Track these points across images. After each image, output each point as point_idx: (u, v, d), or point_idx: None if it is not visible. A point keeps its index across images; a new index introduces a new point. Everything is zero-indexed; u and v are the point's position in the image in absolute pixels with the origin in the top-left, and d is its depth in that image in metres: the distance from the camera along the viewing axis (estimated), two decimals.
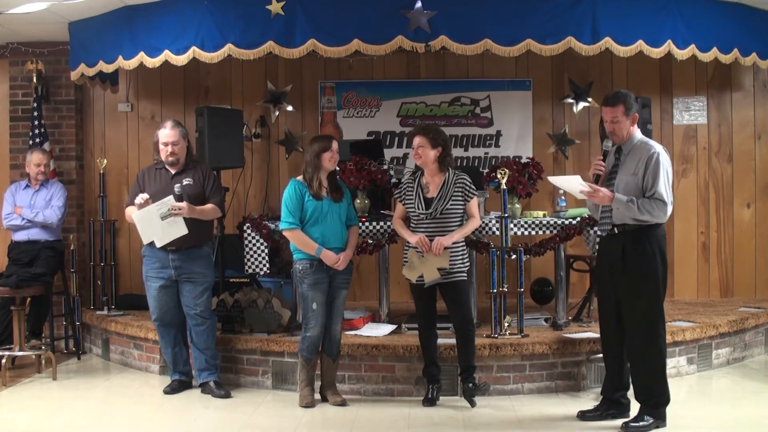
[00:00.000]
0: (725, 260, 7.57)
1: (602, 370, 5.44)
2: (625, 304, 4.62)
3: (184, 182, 5.38)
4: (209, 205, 5.49)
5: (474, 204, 5.19)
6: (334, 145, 5.23)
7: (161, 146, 5.48)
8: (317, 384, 5.48)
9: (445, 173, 5.16)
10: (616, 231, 4.60)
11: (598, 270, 4.93)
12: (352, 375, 5.43)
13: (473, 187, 5.19)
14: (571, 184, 4.69)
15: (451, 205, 5.10)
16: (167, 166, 5.52)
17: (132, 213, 5.43)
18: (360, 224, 5.65)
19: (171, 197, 5.27)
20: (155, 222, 5.25)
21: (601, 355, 5.38)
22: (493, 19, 5.70)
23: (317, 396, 5.28)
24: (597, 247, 5.00)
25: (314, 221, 5.15)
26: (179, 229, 5.27)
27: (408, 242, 5.19)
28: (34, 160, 6.71)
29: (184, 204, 5.29)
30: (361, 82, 7.62)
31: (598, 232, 4.87)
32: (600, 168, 4.61)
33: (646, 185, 4.51)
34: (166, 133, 5.47)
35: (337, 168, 5.43)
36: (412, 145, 5.20)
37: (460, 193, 5.12)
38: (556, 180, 4.95)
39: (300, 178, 5.25)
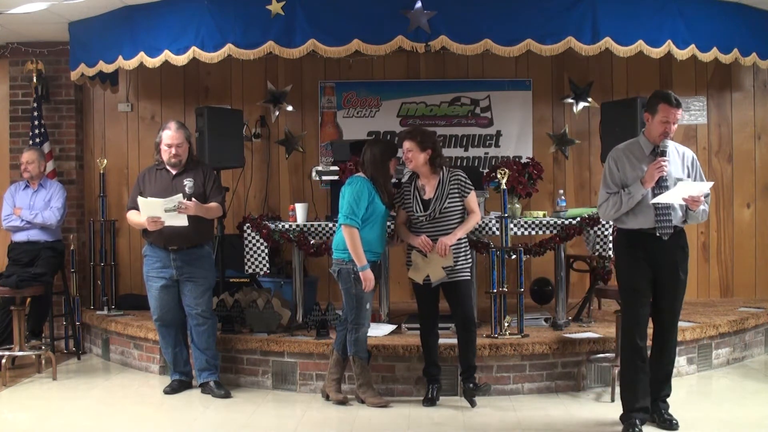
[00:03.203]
0: (725, 260, 7.58)
1: (602, 370, 5.47)
2: (673, 304, 4.56)
3: (186, 182, 5.38)
4: (213, 204, 5.50)
5: (472, 198, 5.16)
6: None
7: (164, 147, 5.48)
8: (320, 383, 5.49)
9: (439, 173, 5.16)
10: (672, 233, 4.49)
11: (637, 275, 4.52)
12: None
13: (469, 182, 5.17)
14: (691, 189, 4.42)
15: (449, 203, 5.09)
16: (168, 167, 5.51)
17: (133, 215, 5.46)
18: None
19: (180, 195, 5.28)
20: (158, 212, 5.26)
21: (602, 356, 5.41)
22: (493, 19, 5.70)
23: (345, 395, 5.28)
24: (634, 244, 4.54)
25: (374, 223, 5.12)
26: (180, 221, 5.28)
27: (411, 244, 5.19)
28: (21, 158, 6.74)
29: (191, 203, 5.29)
30: (361, 82, 7.62)
31: (658, 233, 4.46)
32: (665, 168, 4.45)
33: None
34: (170, 135, 5.46)
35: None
36: (403, 149, 5.19)
37: (456, 190, 5.11)
38: (687, 184, 4.45)
39: (362, 175, 5.19)
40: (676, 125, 4.53)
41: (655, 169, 4.43)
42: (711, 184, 4.54)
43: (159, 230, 5.35)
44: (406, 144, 5.15)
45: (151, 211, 5.27)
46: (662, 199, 4.41)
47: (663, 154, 4.48)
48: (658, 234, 4.46)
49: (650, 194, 4.46)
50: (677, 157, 4.59)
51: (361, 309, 5.10)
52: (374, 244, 5.14)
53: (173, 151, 5.45)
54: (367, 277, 5.04)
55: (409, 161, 5.15)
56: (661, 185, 4.45)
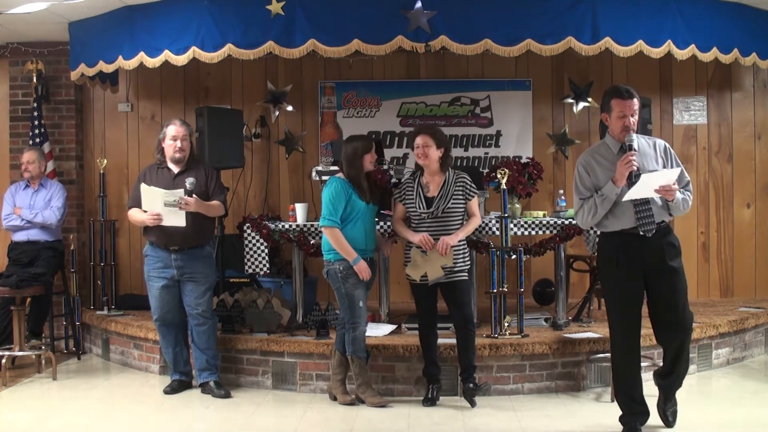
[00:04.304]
0: (725, 260, 7.58)
1: (602, 370, 5.48)
2: (671, 301, 4.38)
3: (187, 180, 5.37)
4: (215, 201, 5.51)
5: (475, 203, 5.22)
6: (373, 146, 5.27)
7: (169, 141, 5.48)
8: (320, 383, 5.48)
9: (446, 173, 5.18)
10: (657, 230, 4.34)
11: (624, 273, 4.39)
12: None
13: (473, 186, 5.22)
14: (658, 180, 4.27)
15: (452, 204, 5.11)
16: (170, 165, 5.51)
17: (134, 213, 5.47)
18: None
19: (181, 190, 5.28)
20: (157, 205, 5.27)
21: (602, 356, 5.41)
22: (493, 19, 5.70)
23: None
24: (617, 248, 4.42)
25: (355, 221, 5.13)
26: (178, 220, 5.27)
27: (409, 242, 5.19)
28: (22, 158, 6.76)
29: (191, 199, 5.30)
30: (361, 82, 7.62)
31: (641, 232, 4.32)
32: (635, 162, 4.29)
33: (677, 178, 4.35)
34: (175, 129, 5.49)
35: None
36: (415, 143, 5.17)
37: (461, 192, 5.14)
38: (651, 176, 4.27)
39: (340, 176, 5.22)
40: (635, 117, 4.37)
41: (624, 165, 4.28)
42: (679, 170, 4.36)
43: (160, 230, 5.36)
44: (423, 139, 5.13)
45: (152, 200, 5.28)
46: (633, 194, 4.27)
47: (630, 148, 4.32)
48: (641, 232, 4.33)
49: (626, 192, 4.31)
50: (649, 149, 4.44)
51: (355, 308, 5.10)
52: (359, 242, 5.15)
53: (178, 144, 5.45)
54: (361, 268, 5.06)
55: (423, 156, 5.13)
56: (634, 181, 4.29)
